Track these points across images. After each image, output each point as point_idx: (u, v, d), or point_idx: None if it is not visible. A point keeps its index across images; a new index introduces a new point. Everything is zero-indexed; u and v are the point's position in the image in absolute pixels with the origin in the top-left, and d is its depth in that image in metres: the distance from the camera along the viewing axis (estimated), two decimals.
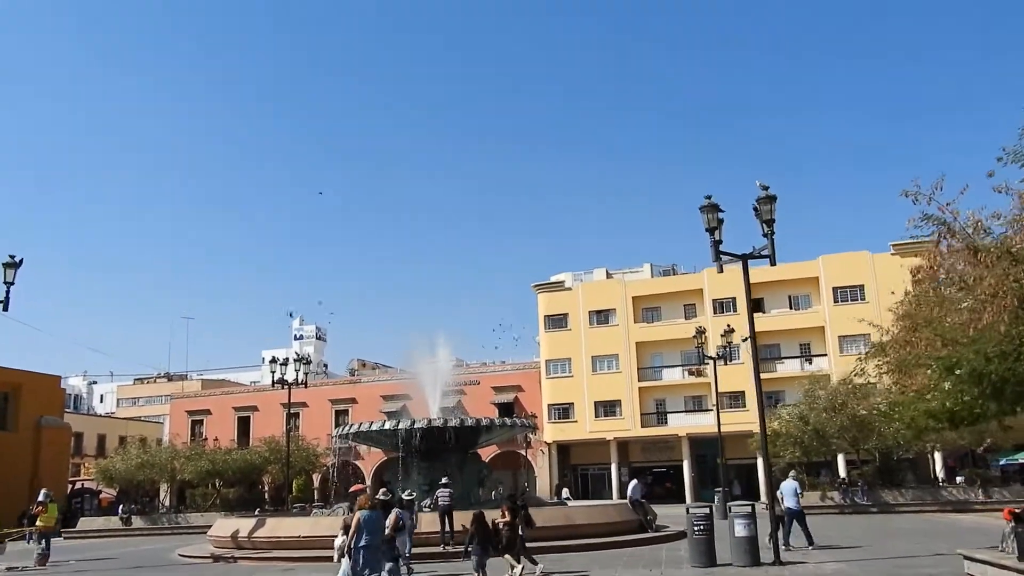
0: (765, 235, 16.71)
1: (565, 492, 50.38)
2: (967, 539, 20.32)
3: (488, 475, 25.51)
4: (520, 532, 14.64)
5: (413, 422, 23.20)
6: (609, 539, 20.31)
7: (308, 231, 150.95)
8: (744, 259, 16.87)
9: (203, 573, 18.31)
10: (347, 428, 24.75)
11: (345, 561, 12.47)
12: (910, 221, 10.93)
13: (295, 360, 35.38)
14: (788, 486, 19.30)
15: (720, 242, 16.71)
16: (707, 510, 16.00)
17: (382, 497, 20.65)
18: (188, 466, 43.03)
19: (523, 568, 14.99)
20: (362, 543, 11.82)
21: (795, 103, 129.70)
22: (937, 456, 46.70)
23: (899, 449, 35.24)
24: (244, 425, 63.61)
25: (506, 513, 15.64)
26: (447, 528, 19.27)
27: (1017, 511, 11.03)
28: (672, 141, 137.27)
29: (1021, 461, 46.76)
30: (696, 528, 15.70)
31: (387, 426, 23.50)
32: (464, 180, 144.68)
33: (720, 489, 33.36)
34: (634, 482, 24.01)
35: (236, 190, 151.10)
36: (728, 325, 36.24)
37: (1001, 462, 48.32)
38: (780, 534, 18.84)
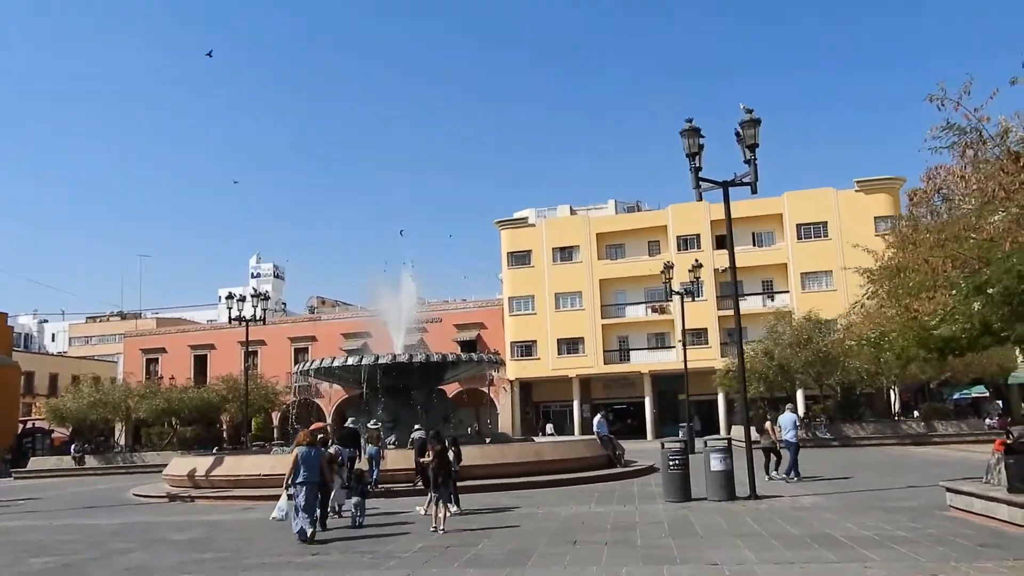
0: (747, 161, 16.00)
1: (549, 428, 49.91)
2: (936, 472, 20.35)
3: (454, 412, 25.00)
4: (452, 471, 14.25)
5: (377, 357, 22.48)
6: (579, 475, 19.97)
7: (266, 169, 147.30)
8: (725, 186, 16.21)
9: (158, 513, 17.55)
10: (308, 364, 23.94)
11: (283, 498, 12.40)
12: (932, 130, 10.15)
13: (253, 296, 34.23)
14: (787, 419, 19.36)
15: (700, 168, 15.97)
16: (681, 445, 15.63)
17: (349, 426, 20.17)
18: (143, 405, 41.92)
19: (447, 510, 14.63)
20: (299, 479, 11.85)
21: (766, 40, 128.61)
22: (893, 391, 47.55)
23: (860, 384, 35.50)
24: (201, 364, 62.43)
25: (432, 452, 14.93)
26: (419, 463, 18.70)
27: (1009, 442, 10.71)
28: (637, 78, 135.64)
29: (974, 395, 47.92)
30: (671, 463, 15.33)
31: (350, 361, 22.74)
32: (425, 115, 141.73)
33: (684, 424, 33.31)
34: (599, 417, 23.67)
35: (193, 125, 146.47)
36: (696, 260, 35.71)
37: (954, 396, 49.44)
38: (771, 465, 19.30)
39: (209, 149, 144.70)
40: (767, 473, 19.05)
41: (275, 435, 51.01)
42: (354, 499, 13.76)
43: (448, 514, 12.99)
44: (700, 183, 16.01)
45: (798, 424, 19.91)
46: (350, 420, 21.91)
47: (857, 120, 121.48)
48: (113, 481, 31.16)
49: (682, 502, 15.00)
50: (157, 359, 64.12)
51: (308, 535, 11.56)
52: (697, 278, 33.36)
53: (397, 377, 22.80)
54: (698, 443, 33.57)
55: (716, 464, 15.17)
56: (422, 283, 27.54)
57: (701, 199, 16.28)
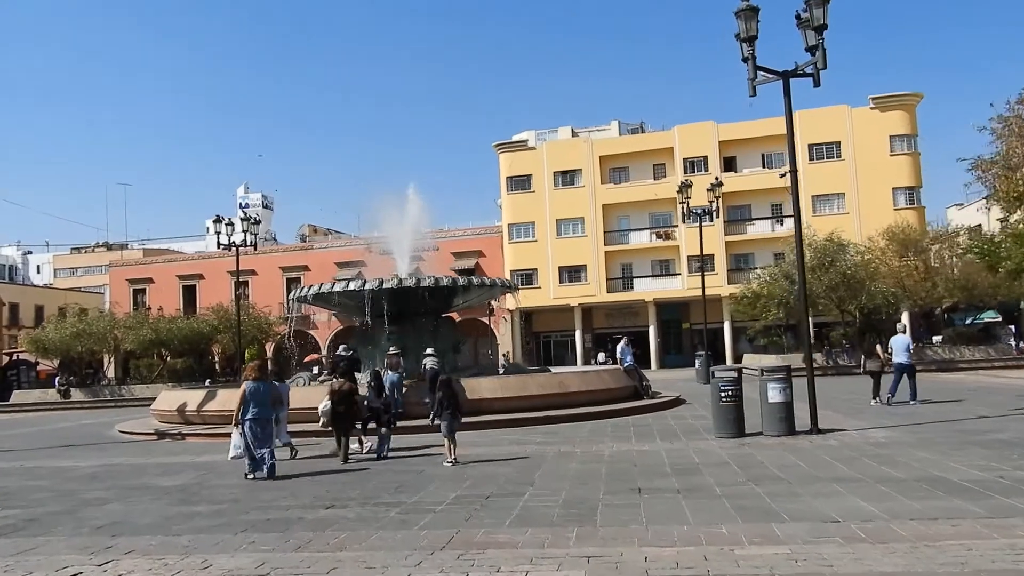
0: (810, 49, 13.81)
1: (602, 356, 46.50)
2: (994, 399, 18.85)
3: (463, 341, 23.23)
4: (374, 407, 13.68)
5: (382, 281, 20.48)
6: (606, 407, 18.31)
7: (253, 96, 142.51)
8: (785, 77, 14.05)
9: (144, 453, 15.77)
10: (306, 290, 21.96)
11: (235, 435, 12.23)
12: None
13: (243, 220, 32.02)
14: (900, 341, 18.45)
15: (755, 57, 13.78)
16: (735, 374, 13.84)
17: (342, 353, 18.37)
18: (130, 336, 40.13)
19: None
20: (249, 415, 11.33)
21: None
22: (905, 316, 46.12)
23: (886, 308, 33.86)
24: (190, 294, 60.45)
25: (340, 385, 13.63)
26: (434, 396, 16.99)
27: None
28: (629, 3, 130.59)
29: (986, 320, 46.51)
30: (723, 394, 13.57)
31: (352, 286, 20.75)
32: (418, 38, 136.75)
33: (702, 353, 31.67)
34: (622, 344, 21.90)
35: (178, 51, 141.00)
36: (717, 178, 33.57)
37: (966, 321, 48.08)
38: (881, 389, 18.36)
39: (193, 77, 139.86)
40: (874, 398, 18.31)
41: (269, 367, 49.35)
42: (381, 430, 13.27)
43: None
44: (757, 73, 13.78)
45: (911, 346, 18.81)
46: (341, 348, 20.04)
47: (873, 36, 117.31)
48: (99, 416, 29.47)
49: (736, 437, 13.32)
50: (144, 290, 62.07)
51: (258, 472, 11.22)
52: (718, 197, 31.26)
53: (402, 303, 20.87)
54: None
55: (775, 395, 13.41)
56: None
57: (755, 94, 14.11)
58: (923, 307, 36.93)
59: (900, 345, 18.40)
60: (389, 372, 17.10)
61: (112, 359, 49.68)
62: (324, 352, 57.12)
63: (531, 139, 60.40)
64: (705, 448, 12.38)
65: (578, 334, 55.83)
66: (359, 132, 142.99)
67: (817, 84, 14.13)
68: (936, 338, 38.60)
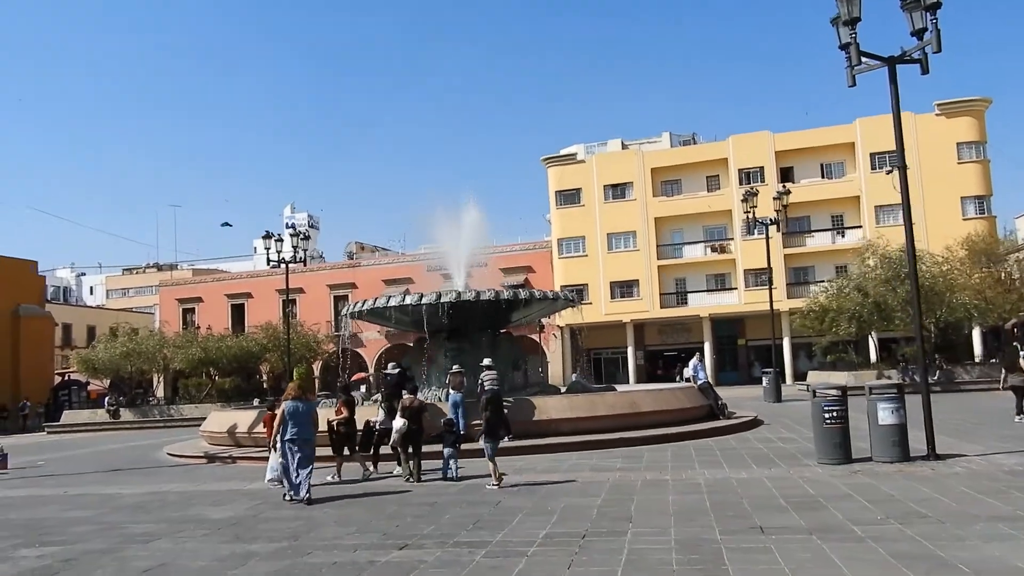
0: (915, 33, 12.41)
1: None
2: None
3: (523, 357, 22.02)
4: (364, 431, 13.75)
5: (439, 295, 19.42)
6: (681, 429, 16.92)
7: (299, 119, 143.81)
8: (891, 63, 12.66)
9: (194, 478, 14.80)
10: (359, 305, 20.97)
11: (272, 457, 12.17)
12: None
13: (292, 235, 31.32)
14: None
15: (857, 42, 12.45)
16: (838, 392, 12.40)
17: (391, 371, 17.34)
18: (179, 355, 39.67)
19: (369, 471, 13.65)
20: (287, 436, 10.96)
21: None
22: (976, 332, 43.79)
23: (969, 321, 31.77)
24: (238, 313, 60.28)
25: (343, 409, 13.61)
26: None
27: None
28: (687, 5, 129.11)
29: None
30: (828, 415, 12.14)
31: (408, 300, 19.71)
32: (468, 48, 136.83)
33: (769, 370, 30.01)
34: (695, 360, 20.51)
35: (223, 76, 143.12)
36: (784, 186, 32.02)
37: None
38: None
39: (239, 101, 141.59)
40: (1019, 415, 17.29)
41: (317, 386, 48.67)
42: (446, 451, 12.62)
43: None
44: (861, 59, 12.44)
45: None
46: (390, 366, 19.01)
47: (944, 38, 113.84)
48: (148, 436, 28.84)
49: (844, 463, 11.89)
50: (194, 309, 62.07)
51: (297, 496, 10.81)
52: (785, 206, 29.70)
53: (460, 318, 19.77)
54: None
55: (886, 416, 11.94)
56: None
57: (854, 84, 12.78)
58: (996, 323, 34.58)
59: None
60: (452, 391, 16.00)
61: (161, 379, 49.46)
62: (372, 371, 56.57)
63: (580, 152, 59.25)
64: (813, 476, 10.98)
65: (630, 351, 54.35)
66: (405, 150, 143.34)
67: (926, 71, 12.71)
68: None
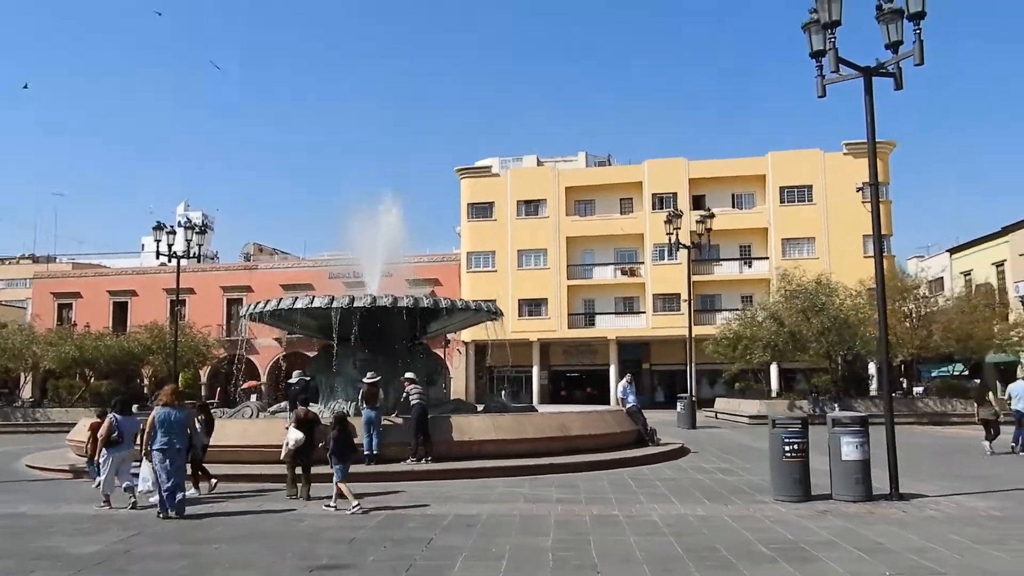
0: (890, 46, 11.65)
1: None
2: None
3: (440, 372, 20.46)
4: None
5: (352, 298, 17.71)
6: (612, 455, 15.74)
7: (199, 110, 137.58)
8: (867, 75, 11.84)
9: (53, 498, 12.57)
10: (260, 306, 18.94)
11: (144, 466, 11.40)
12: None
13: (186, 228, 28.75)
14: (1020, 387, 17.96)
15: (836, 47, 11.61)
16: (799, 424, 11.40)
17: (295, 380, 15.54)
18: (50, 352, 36.07)
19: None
20: (157, 445, 10.28)
21: None
22: (871, 365, 44.74)
23: (862, 357, 32.10)
24: (121, 312, 56.24)
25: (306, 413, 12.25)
26: (421, 436, 14.24)
27: None
28: (605, 33, 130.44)
29: (955, 373, 45.38)
30: (788, 447, 11.12)
31: (317, 302, 17.89)
32: (384, 50, 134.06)
33: (685, 396, 29.36)
34: (624, 382, 19.41)
35: (117, 63, 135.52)
36: (708, 208, 31.63)
37: (932, 373, 47.02)
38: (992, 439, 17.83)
39: (138, 93, 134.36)
40: (989, 448, 17.66)
41: (204, 393, 45.46)
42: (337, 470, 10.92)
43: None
44: (839, 66, 11.60)
45: None
46: (295, 375, 17.18)
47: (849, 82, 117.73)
48: (7, 443, 25.63)
49: (803, 500, 10.91)
50: (71, 304, 57.56)
51: (169, 510, 10.10)
52: (709, 229, 29.21)
53: (373, 325, 18.07)
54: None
55: (850, 451, 11.01)
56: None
57: (824, 94, 11.94)
58: (905, 357, 35.09)
59: (1021, 392, 17.88)
60: (365, 407, 14.31)
61: (30, 379, 45.22)
62: (264, 379, 53.56)
63: (495, 166, 58.12)
64: (777, 516, 9.89)
65: (535, 370, 53.31)
66: (311, 152, 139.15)
67: (899, 86, 11.98)
68: (917, 389, 37.11)
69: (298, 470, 11.74)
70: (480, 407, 20.85)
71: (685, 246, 29.27)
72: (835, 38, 11.55)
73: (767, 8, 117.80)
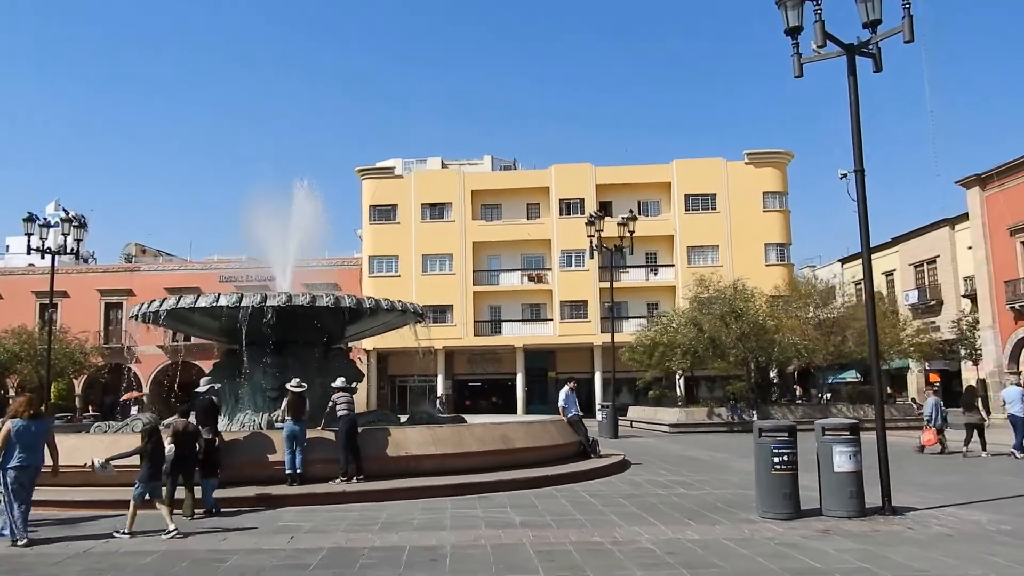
0: (867, 25, 10.86)
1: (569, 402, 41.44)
2: (1003, 467, 16.47)
3: (359, 380, 18.62)
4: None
5: (264, 297, 15.75)
6: (559, 469, 14.42)
7: (71, 97, 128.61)
8: (851, 53, 10.98)
9: None
10: (155, 304, 16.63)
11: None
12: None
13: (63, 221, 25.79)
14: (1014, 392, 18.59)
15: (823, 20, 10.71)
16: (786, 433, 10.35)
17: (202, 387, 13.56)
18: None
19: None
20: (12, 463, 9.16)
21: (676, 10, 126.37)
22: (773, 373, 45.33)
23: (799, 361, 32.02)
24: None
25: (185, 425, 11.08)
26: (351, 452, 12.49)
27: None
28: (508, 37, 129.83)
29: (848, 380, 46.56)
30: (777, 459, 10.06)
31: (224, 301, 15.82)
32: (282, 39, 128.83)
33: (606, 404, 28.41)
34: (566, 390, 18.11)
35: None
36: (631, 211, 30.79)
37: (829, 380, 48.12)
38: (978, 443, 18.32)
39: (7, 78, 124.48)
40: (965, 449, 18.46)
41: (78, 405, 41.66)
42: (143, 487, 9.82)
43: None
44: (825, 41, 10.69)
45: None
46: (204, 382, 14.91)
47: (754, 91, 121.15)
48: None
49: (795, 517, 9.88)
50: None
51: (16, 539, 8.98)
52: (632, 232, 28.45)
53: (287, 327, 16.16)
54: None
55: (843, 461, 10.05)
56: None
57: (801, 74, 11.04)
58: (821, 363, 35.10)
59: (1014, 396, 18.37)
60: (288, 419, 12.46)
61: None
62: (146, 390, 49.77)
63: (398, 167, 56.23)
64: (781, 538, 8.78)
65: (440, 379, 51.64)
66: (196, 150, 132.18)
67: (879, 68, 11.19)
68: (823, 396, 37.51)
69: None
70: (404, 418, 19.21)
71: (608, 249, 28.36)
72: (821, 10, 10.63)
73: (670, 15, 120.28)
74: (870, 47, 11.13)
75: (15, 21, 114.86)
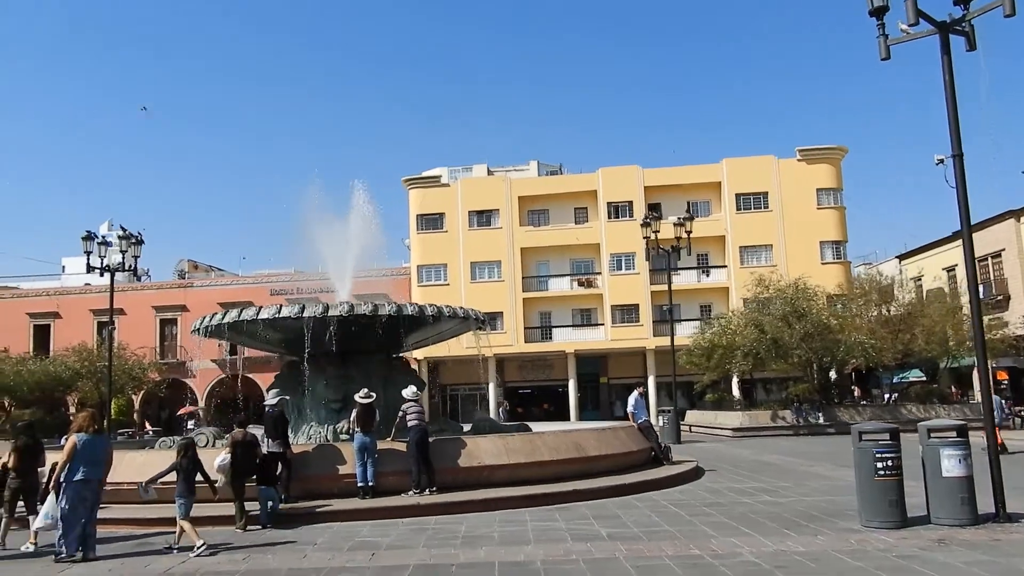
0: (959, 1, 10.26)
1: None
2: None
3: (421, 389, 18.30)
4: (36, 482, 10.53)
5: (327, 307, 15.53)
6: (633, 477, 13.93)
7: (123, 117, 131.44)
8: (944, 30, 10.36)
9: None
10: (216, 318, 16.52)
11: (50, 500, 9.59)
12: None
13: (121, 238, 26.01)
14: None
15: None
16: (888, 436, 9.72)
17: (270, 400, 13.35)
18: None
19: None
20: (77, 476, 9.13)
21: (708, 5, 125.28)
22: (833, 373, 44.04)
23: (869, 361, 30.92)
24: (42, 335, 52.17)
25: (13, 456, 10.62)
26: (422, 463, 12.16)
27: None
28: (551, 41, 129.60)
29: (911, 379, 45.09)
30: (880, 464, 9.45)
31: (286, 312, 15.63)
32: (329, 58, 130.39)
33: (667, 409, 27.74)
34: (635, 395, 17.53)
35: (36, 76, 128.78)
36: (688, 211, 30.14)
37: (893, 379, 46.68)
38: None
39: (58, 104, 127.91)
40: None
41: (137, 420, 42.16)
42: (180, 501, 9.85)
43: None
44: (918, 19, 10.08)
45: None
46: (273, 395, 14.55)
47: (802, 88, 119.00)
48: None
49: (902, 526, 9.26)
50: None
51: (88, 551, 9.05)
52: (689, 232, 27.83)
53: (349, 338, 15.91)
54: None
55: (952, 465, 9.40)
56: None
57: (888, 56, 10.44)
58: (889, 363, 33.75)
59: None
60: (357, 431, 12.16)
61: None
62: (202, 404, 50.27)
63: (444, 176, 56.13)
64: (896, 549, 8.20)
65: (491, 387, 51.21)
66: (242, 168, 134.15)
67: (972, 47, 10.54)
68: (887, 396, 36.29)
69: None
70: (466, 427, 18.85)
71: (665, 251, 27.76)
72: None
73: (712, 16, 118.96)
74: (963, 24, 10.51)
75: (71, 45, 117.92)
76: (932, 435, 9.65)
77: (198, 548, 9.13)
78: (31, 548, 9.83)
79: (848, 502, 11.14)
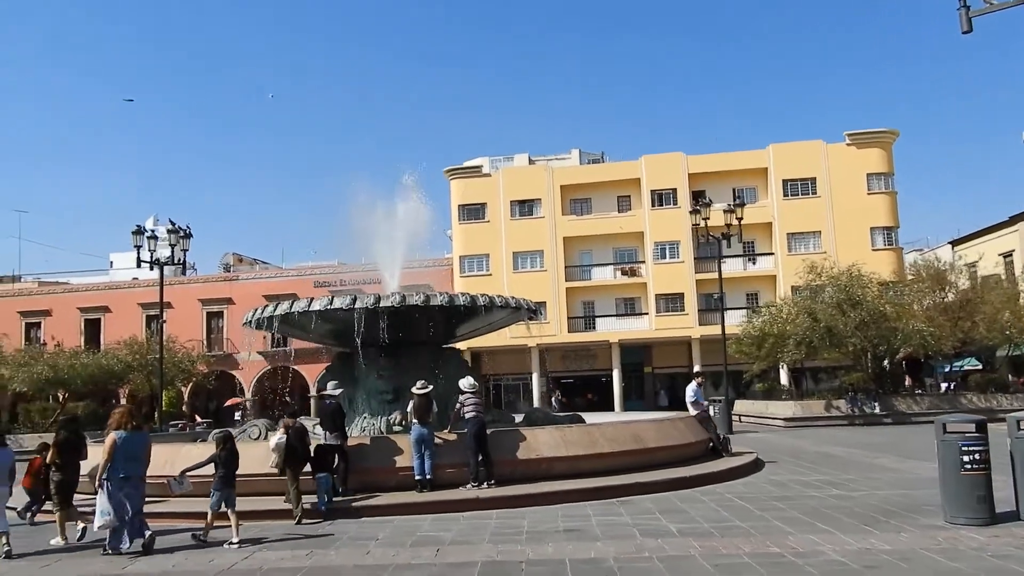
0: None
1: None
2: None
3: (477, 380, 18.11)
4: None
5: (378, 298, 15.38)
6: (693, 470, 13.56)
7: (168, 116, 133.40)
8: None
9: (27, 546, 10.16)
10: (267, 310, 16.47)
11: (101, 497, 9.33)
12: None
13: (170, 232, 26.19)
14: None
15: None
16: (975, 428, 9.22)
17: (331, 391, 13.22)
18: (20, 374, 33.20)
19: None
20: (118, 474, 9.18)
21: None
22: (886, 363, 42.97)
23: (926, 349, 30.04)
24: (93, 329, 53.11)
25: (52, 451, 10.60)
26: (482, 455, 11.96)
27: None
28: (594, 25, 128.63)
29: (966, 368, 43.81)
30: (966, 457, 8.98)
31: (338, 303, 15.52)
32: (368, 51, 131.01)
33: (719, 399, 27.18)
34: (694, 385, 17.09)
35: (81, 74, 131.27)
36: (738, 197, 29.54)
37: (946, 368, 45.41)
38: None
39: (101, 102, 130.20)
40: None
41: (188, 412, 42.67)
42: (215, 495, 9.79)
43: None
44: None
45: None
46: (331, 387, 14.24)
47: (850, 72, 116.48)
48: None
49: (991, 523, 8.78)
50: (39, 323, 54.33)
51: (119, 547, 9.09)
52: (740, 219, 27.22)
53: (400, 328, 15.73)
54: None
55: None
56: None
57: (970, 28, 9.93)
58: (948, 352, 32.59)
59: None
60: (415, 423, 11.97)
61: None
62: (249, 395, 50.78)
63: (485, 165, 55.86)
64: (982, 546, 7.81)
65: (534, 377, 50.98)
66: (294, 157, 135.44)
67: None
68: (943, 385, 35.30)
69: None
70: (518, 417, 18.61)
71: (715, 238, 27.19)
72: None
73: (761, 12, 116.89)
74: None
75: (117, 45, 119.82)
76: (1023, 427, 9.15)
77: (203, 533, 9.49)
78: (60, 543, 9.89)
79: (924, 496, 10.71)
